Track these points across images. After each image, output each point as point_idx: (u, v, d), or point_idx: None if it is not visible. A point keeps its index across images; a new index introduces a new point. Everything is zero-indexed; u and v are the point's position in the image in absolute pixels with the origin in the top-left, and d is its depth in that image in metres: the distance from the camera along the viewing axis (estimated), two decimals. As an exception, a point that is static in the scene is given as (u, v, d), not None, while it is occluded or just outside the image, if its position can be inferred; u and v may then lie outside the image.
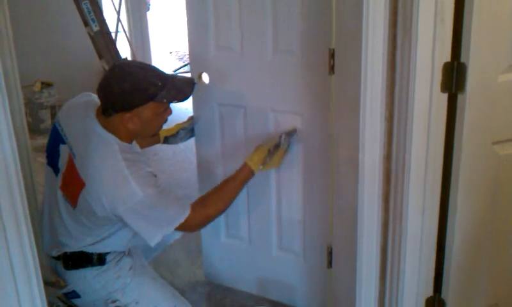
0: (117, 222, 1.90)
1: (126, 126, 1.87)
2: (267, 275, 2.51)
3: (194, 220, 1.92)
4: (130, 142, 1.94)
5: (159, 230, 1.86)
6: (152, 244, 1.86)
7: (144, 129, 1.94)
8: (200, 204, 1.98)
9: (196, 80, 2.16)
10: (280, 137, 2.18)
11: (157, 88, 1.85)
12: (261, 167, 2.10)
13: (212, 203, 2.01)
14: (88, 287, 2.01)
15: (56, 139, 1.97)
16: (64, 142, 1.93)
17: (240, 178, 2.08)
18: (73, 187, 1.87)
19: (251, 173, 2.09)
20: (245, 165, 2.09)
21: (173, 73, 1.79)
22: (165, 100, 1.90)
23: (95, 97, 2.01)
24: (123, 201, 1.79)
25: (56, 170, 1.96)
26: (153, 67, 1.97)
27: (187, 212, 1.89)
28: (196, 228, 2.04)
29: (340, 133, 2.02)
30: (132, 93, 1.82)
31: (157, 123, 1.97)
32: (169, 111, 1.97)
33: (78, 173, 1.84)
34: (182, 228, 1.90)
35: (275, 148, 2.16)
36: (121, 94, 1.82)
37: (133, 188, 1.79)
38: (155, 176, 1.91)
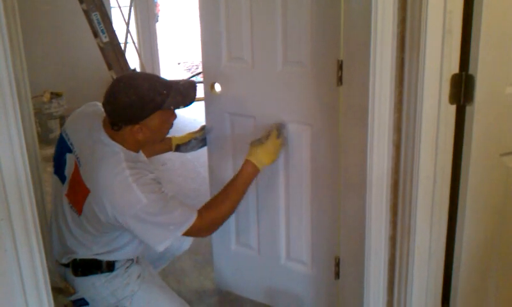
0: (123, 231, 1.91)
1: (135, 137, 1.89)
2: (275, 284, 2.50)
3: (201, 225, 1.91)
4: (137, 151, 1.95)
5: (166, 234, 1.85)
6: (159, 249, 1.85)
7: (153, 137, 1.96)
8: (206, 208, 1.97)
9: (197, 83, 2.18)
10: (270, 129, 2.18)
11: (163, 96, 1.86)
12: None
13: (219, 206, 1.99)
14: (96, 294, 2.02)
15: (63, 147, 1.99)
16: (70, 151, 1.95)
17: (244, 176, 2.06)
18: (78, 194, 1.89)
19: (255, 168, 2.07)
20: (246, 162, 2.08)
21: (173, 79, 1.81)
22: (172, 107, 1.92)
23: (101, 106, 2.03)
24: (127, 208, 1.80)
25: (63, 178, 1.98)
26: (156, 76, 1.98)
27: (194, 216, 1.88)
28: (205, 233, 2.03)
29: (348, 144, 2.02)
30: (141, 105, 1.83)
31: (165, 129, 2.00)
32: (174, 116, 1.98)
33: (83, 181, 1.86)
34: (190, 233, 1.90)
35: (266, 138, 2.13)
36: (130, 108, 1.83)
37: (136, 195, 1.79)
38: (159, 183, 1.91)
